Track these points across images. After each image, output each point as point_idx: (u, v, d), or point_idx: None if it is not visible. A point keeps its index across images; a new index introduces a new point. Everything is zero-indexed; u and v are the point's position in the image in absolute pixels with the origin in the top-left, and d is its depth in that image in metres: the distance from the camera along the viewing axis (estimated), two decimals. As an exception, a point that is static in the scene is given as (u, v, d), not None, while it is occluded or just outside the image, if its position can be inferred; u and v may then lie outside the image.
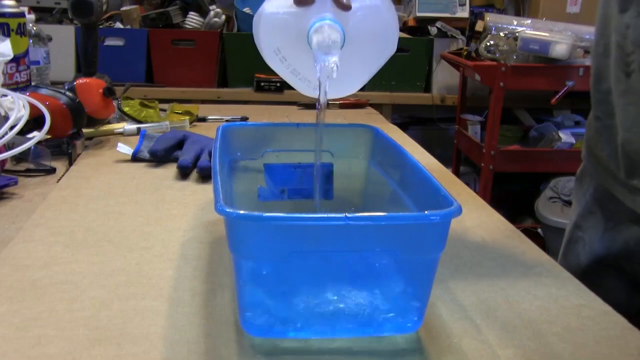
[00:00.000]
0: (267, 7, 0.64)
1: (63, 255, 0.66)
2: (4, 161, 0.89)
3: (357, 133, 0.74)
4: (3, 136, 0.81)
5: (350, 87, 0.69)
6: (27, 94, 0.97)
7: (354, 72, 0.67)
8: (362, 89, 1.02)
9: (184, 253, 0.67)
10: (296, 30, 0.63)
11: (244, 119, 1.38)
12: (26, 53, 1.20)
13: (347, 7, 0.61)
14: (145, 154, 1.01)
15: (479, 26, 2.24)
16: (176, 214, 0.79)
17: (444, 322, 0.55)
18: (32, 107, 0.91)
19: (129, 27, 2.37)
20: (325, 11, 0.61)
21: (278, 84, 2.29)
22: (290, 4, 0.62)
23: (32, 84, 1.21)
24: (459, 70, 2.39)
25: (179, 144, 1.04)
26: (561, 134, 2.25)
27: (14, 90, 1.03)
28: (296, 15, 0.62)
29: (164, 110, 1.33)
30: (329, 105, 1.54)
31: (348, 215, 0.45)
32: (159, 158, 1.00)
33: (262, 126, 0.78)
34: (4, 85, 1.09)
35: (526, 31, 2.06)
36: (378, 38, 0.65)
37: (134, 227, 0.74)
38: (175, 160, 0.98)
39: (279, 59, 0.66)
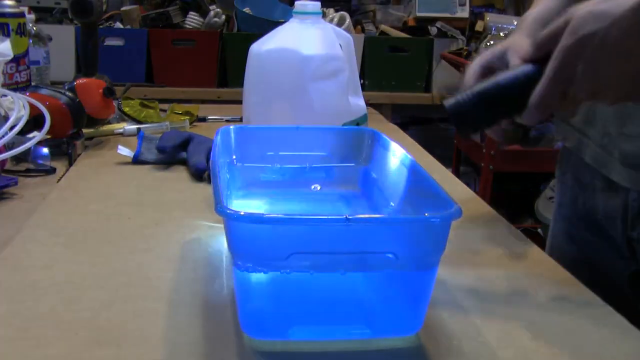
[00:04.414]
0: None
1: (63, 256, 0.66)
2: (4, 161, 0.89)
3: (356, 135, 0.74)
4: (3, 136, 0.81)
5: None
6: (27, 94, 0.97)
7: None
8: (362, 89, 1.01)
9: (184, 255, 0.67)
10: None
11: (244, 119, 1.37)
12: (26, 53, 1.20)
13: None
14: (146, 156, 1.01)
15: (479, 26, 2.24)
16: (176, 215, 0.79)
17: (444, 324, 0.55)
18: (32, 107, 0.91)
19: (129, 27, 2.36)
20: None
21: (278, 84, 2.28)
22: None
23: (32, 84, 1.20)
24: (459, 70, 2.39)
25: (184, 144, 1.03)
26: (561, 134, 2.24)
27: (14, 90, 1.03)
28: None
29: (164, 110, 1.33)
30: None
31: (348, 216, 0.45)
32: (166, 155, 1.00)
33: (262, 129, 0.78)
34: (4, 85, 1.09)
35: (526, 31, 2.05)
36: None
37: (134, 229, 0.74)
38: (179, 161, 0.98)
39: None
